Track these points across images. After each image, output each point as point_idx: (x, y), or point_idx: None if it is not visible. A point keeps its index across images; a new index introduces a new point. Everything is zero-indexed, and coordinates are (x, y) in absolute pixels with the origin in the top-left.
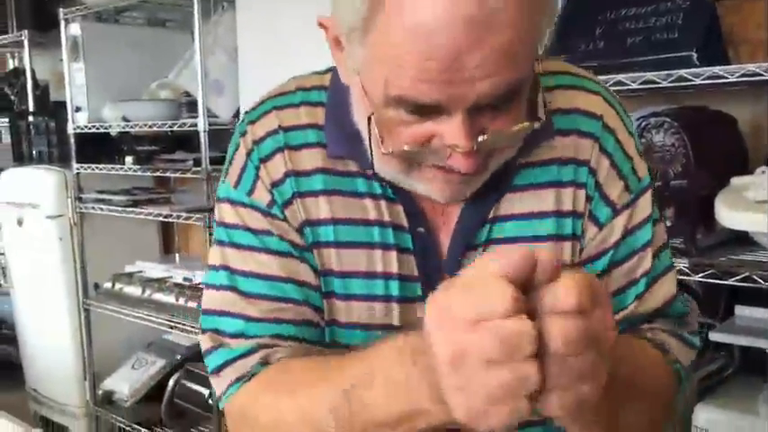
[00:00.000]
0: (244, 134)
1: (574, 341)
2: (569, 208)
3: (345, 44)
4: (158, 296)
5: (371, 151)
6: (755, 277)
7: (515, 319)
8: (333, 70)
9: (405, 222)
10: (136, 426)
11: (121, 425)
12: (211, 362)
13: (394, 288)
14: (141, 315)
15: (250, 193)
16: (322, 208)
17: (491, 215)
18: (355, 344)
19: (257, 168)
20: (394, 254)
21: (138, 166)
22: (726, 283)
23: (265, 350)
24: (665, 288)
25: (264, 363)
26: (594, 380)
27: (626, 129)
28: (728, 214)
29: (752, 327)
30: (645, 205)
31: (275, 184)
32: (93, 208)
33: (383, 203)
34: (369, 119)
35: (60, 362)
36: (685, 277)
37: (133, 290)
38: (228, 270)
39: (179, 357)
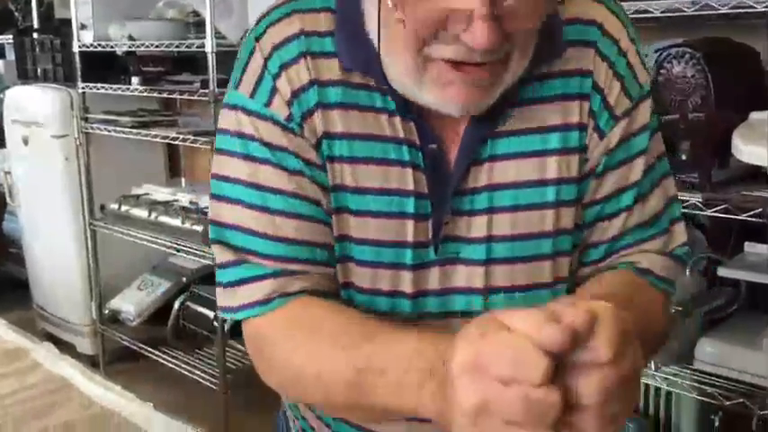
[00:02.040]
0: (259, 37)
1: (612, 389)
2: (576, 120)
3: None
4: (164, 219)
5: (379, 49)
6: None
7: (547, 389)
8: None
9: (417, 140)
10: (141, 345)
11: (127, 343)
12: (225, 276)
13: (409, 206)
14: (147, 237)
15: (267, 104)
16: (339, 121)
17: (496, 130)
18: (365, 259)
19: (275, 77)
20: (410, 171)
21: (145, 87)
22: (738, 218)
23: (283, 278)
24: (654, 202)
25: (283, 295)
26: (629, 404)
27: (628, 36)
28: (746, 148)
29: (760, 263)
30: (644, 113)
31: (296, 94)
32: (98, 128)
33: (398, 120)
34: (379, 2)
35: (66, 281)
36: (698, 212)
37: (139, 212)
38: (243, 183)
39: (184, 280)
